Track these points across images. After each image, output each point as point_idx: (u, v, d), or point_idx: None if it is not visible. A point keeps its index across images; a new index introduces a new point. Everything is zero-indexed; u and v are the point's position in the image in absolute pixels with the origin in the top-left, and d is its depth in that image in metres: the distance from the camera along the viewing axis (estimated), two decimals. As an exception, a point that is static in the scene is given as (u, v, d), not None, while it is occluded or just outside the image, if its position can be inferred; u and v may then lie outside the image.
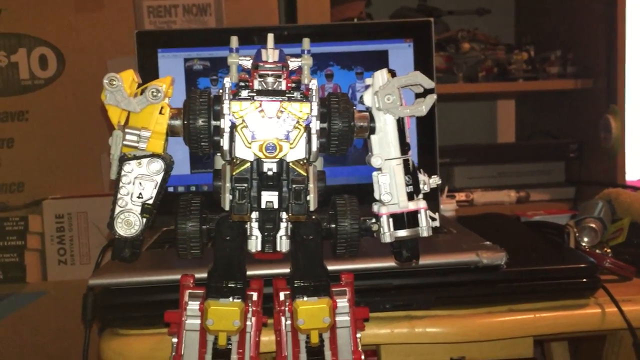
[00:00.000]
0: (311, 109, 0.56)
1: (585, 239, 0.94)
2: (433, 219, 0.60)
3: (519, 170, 1.64)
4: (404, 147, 0.59)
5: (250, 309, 0.61)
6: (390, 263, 0.74)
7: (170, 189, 0.99)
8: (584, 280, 0.78)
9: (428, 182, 0.60)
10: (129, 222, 0.56)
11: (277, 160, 0.55)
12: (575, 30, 1.63)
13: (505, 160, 1.64)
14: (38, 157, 1.32)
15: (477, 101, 1.98)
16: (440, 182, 0.61)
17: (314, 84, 0.56)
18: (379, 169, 0.59)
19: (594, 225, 0.95)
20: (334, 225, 0.59)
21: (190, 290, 0.61)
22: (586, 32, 1.57)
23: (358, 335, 0.62)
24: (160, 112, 0.57)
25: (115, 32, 1.32)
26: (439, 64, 1.54)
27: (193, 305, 0.60)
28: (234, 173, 0.55)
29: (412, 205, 0.59)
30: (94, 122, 1.31)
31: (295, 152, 0.55)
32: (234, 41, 0.58)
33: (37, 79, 1.32)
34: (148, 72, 0.87)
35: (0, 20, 1.30)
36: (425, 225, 0.59)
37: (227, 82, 0.56)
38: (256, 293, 0.62)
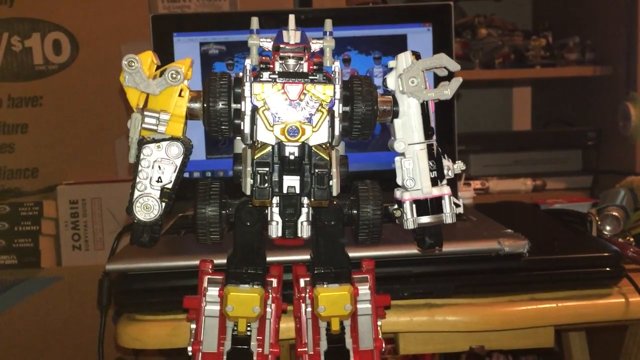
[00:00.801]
0: (334, 92, 0.54)
1: (608, 228, 0.93)
2: (457, 205, 0.58)
3: (535, 158, 1.62)
4: (428, 131, 0.58)
5: (270, 296, 0.60)
6: (409, 250, 0.73)
7: (186, 175, 0.98)
8: (608, 269, 0.76)
9: (452, 167, 0.59)
10: (147, 206, 0.55)
11: (299, 144, 0.54)
12: (594, 16, 1.60)
13: (521, 148, 1.62)
14: (52, 143, 1.32)
15: (493, 88, 1.95)
16: (464, 167, 0.60)
17: (336, 66, 0.55)
18: (402, 154, 0.58)
19: (616, 214, 0.94)
20: (355, 211, 0.58)
21: (209, 276, 0.60)
22: (605, 18, 1.54)
23: (379, 323, 0.61)
24: (180, 95, 0.56)
25: (129, 16, 1.31)
26: (455, 50, 1.52)
27: (212, 291, 0.59)
28: (255, 157, 0.53)
29: (436, 191, 0.57)
30: (108, 107, 1.31)
31: (318, 136, 0.54)
32: (255, 22, 0.56)
33: (51, 64, 1.31)
34: (163, 57, 0.85)
35: (14, 5, 1.30)
36: (449, 212, 0.58)
37: (248, 63, 0.55)
38: (276, 279, 0.61)
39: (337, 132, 0.55)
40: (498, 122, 1.95)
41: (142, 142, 0.56)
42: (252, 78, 0.54)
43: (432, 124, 0.58)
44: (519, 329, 0.75)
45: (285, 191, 0.54)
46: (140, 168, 0.56)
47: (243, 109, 0.54)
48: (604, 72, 1.53)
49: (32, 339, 1.33)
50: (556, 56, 1.59)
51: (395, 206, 0.59)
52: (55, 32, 1.31)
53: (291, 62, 0.55)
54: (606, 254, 0.77)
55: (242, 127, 0.54)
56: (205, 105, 0.56)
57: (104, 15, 1.31)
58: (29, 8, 1.30)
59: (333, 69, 0.55)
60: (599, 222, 0.91)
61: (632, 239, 0.89)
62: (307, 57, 0.55)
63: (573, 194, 1.44)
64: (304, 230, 0.56)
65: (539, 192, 1.52)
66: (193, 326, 0.60)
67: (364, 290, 0.60)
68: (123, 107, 0.53)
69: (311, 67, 0.55)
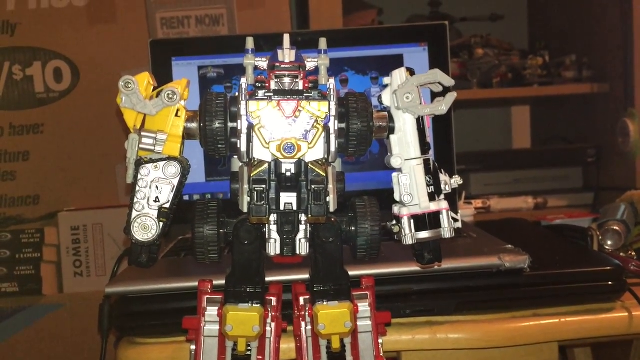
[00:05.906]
0: (329, 108, 0.55)
1: (609, 242, 0.92)
2: (455, 220, 0.58)
3: (536, 176, 1.62)
4: (424, 146, 0.58)
5: (269, 314, 0.59)
6: (409, 267, 0.73)
7: (186, 197, 0.98)
8: (610, 283, 0.76)
9: (449, 182, 0.59)
10: (145, 226, 0.56)
11: (295, 160, 0.54)
12: (590, 33, 1.61)
13: (521, 166, 1.62)
14: (53, 170, 1.33)
15: (492, 107, 1.96)
16: (461, 182, 0.60)
17: (331, 83, 0.56)
18: (399, 170, 0.58)
19: (617, 228, 0.93)
20: (353, 228, 0.58)
21: (208, 296, 0.60)
22: (601, 36, 1.55)
23: (380, 340, 0.61)
24: (177, 115, 0.57)
25: (129, 44, 1.33)
26: (452, 71, 1.53)
27: (211, 311, 0.59)
28: (252, 174, 0.54)
29: (433, 206, 0.57)
30: (109, 134, 1.31)
31: (313, 152, 0.54)
32: (250, 42, 0.57)
33: (52, 92, 1.32)
34: (162, 81, 0.87)
35: (15, 34, 1.31)
36: (447, 226, 0.58)
37: (244, 82, 0.55)
38: (275, 298, 0.61)
39: (332, 149, 0.55)
40: (498, 141, 1.95)
41: (139, 163, 0.56)
42: (248, 96, 0.55)
43: (429, 139, 0.59)
44: (522, 345, 0.74)
45: (282, 208, 0.54)
46: (137, 188, 0.56)
47: (239, 127, 0.55)
48: (602, 89, 1.54)
49: (34, 368, 1.32)
50: (553, 74, 1.60)
51: (394, 222, 0.59)
52: (56, 60, 1.32)
53: (287, 80, 0.56)
54: (608, 268, 0.76)
55: (238, 146, 0.55)
56: (202, 124, 0.56)
57: (104, 42, 1.33)
58: (29, 37, 1.31)
59: (328, 86, 0.55)
60: (600, 237, 0.91)
61: (634, 253, 0.89)
62: (302, 75, 0.56)
63: (574, 211, 1.43)
64: (302, 247, 0.56)
65: (541, 210, 1.51)
66: (193, 347, 0.60)
67: (364, 307, 0.59)
68: (124, 133, 0.54)
69: (306, 85, 0.56)
